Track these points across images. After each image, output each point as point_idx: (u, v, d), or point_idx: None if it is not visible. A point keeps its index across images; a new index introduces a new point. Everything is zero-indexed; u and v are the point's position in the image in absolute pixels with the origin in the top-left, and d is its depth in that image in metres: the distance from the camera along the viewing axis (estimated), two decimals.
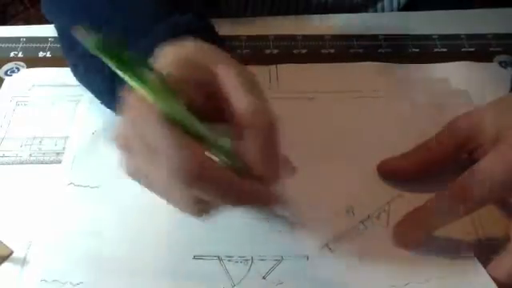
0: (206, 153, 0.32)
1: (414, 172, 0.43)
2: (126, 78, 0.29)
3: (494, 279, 0.36)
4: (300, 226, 0.40)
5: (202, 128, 0.32)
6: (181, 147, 0.30)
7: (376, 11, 0.63)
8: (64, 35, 0.48)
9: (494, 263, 0.37)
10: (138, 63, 0.29)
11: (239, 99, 0.32)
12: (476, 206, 0.37)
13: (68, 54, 0.47)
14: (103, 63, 0.29)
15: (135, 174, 0.34)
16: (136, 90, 0.30)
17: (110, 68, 0.29)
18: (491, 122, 0.40)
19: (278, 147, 0.32)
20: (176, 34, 0.35)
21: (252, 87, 0.32)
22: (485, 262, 0.38)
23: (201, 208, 0.34)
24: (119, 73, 0.29)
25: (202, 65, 0.33)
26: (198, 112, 0.32)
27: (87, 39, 0.27)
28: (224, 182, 0.31)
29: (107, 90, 0.41)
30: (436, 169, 0.42)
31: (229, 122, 0.33)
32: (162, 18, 0.40)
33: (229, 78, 0.32)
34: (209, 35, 0.39)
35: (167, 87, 0.30)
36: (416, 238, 0.38)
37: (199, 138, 0.31)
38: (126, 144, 0.33)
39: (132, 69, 0.29)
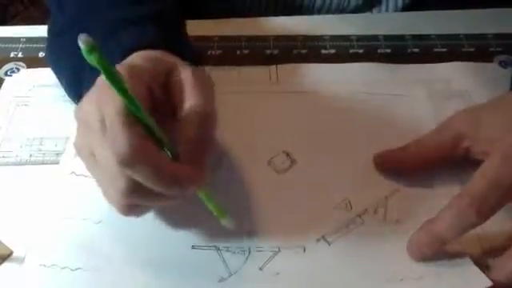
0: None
1: (410, 165, 0.43)
2: (104, 77, 0.31)
3: (494, 281, 0.36)
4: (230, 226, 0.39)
5: (152, 123, 0.33)
6: (124, 130, 0.32)
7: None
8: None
9: (495, 264, 0.37)
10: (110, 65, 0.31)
11: (189, 95, 0.35)
12: (490, 214, 0.36)
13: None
14: None
15: (81, 149, 0.36)
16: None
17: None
18: (489, 120, 0.40)
19: (207, 144, 0.35)
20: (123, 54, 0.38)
21: (203, 85, 0.36)
22: (483, 261, 0.38)
23: (132, 206, 0.36)
24: (102, 73, 0.30)
25: (163, 60, 0.36)
26: (154, 101, 0.35)
27: (84, 45, 0.28)
28: (156, 164, 0.32)
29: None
30: (433, 164, 0.42)
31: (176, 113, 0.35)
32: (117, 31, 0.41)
33: (184, 73, 0.36)
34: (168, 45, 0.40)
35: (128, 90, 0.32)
36: (432, 250, 0.37)
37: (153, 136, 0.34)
38: (85, 119, 0.34)
39: (109, 70, 0.30)
